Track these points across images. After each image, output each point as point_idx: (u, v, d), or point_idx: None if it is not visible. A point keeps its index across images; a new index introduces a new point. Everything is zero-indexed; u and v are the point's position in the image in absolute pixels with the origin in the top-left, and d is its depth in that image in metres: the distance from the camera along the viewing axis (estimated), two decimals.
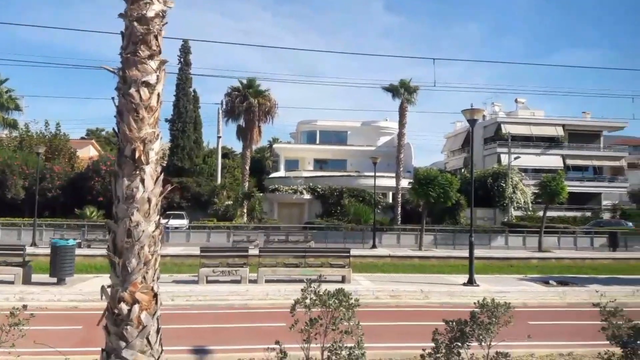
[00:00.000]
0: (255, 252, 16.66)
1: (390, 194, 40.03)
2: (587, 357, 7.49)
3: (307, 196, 38.99)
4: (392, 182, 37.09)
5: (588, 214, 43.14)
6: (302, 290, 5.66)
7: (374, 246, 28.68)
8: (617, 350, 5.51)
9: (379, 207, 35.91)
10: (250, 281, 14.79)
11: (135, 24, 4.31)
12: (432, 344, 5.49)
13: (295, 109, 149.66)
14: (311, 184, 39.64)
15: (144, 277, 4.22)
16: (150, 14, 4.35)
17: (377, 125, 51.64)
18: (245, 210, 35.04)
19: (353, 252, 17.02)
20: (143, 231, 4.18)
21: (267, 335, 9.92)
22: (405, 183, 35.09)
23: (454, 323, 5.48)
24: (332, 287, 5.74)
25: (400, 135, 36.81)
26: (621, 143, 59.33)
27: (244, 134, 37.05)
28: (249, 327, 10.45)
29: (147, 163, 4.27)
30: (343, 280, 14.81)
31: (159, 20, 4.43)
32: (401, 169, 36.25)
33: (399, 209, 35.44)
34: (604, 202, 48.24)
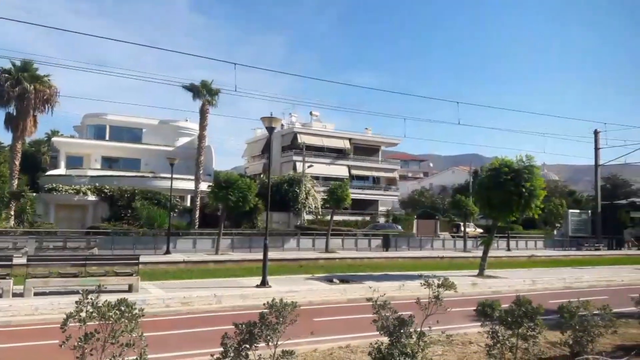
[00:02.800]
0: (23, 260, 14.38)
1: (189, 197, 38.92)
2: (361, 348, 8.29)
3: (92, 197, 35.30)
4: (191, 185, 36.10)
5: (367, 218, 48.71)
6: (76, 302, 4.98)
7: (167, 252, 27.41)
8: (386, 339, 6.17)
9: (176, 210, 34.57)
10: (16, 295, 12.72)
11: None
12: (221, 349, 5.41)
13: (83, 100, 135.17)
14: (97, 184, 36.01)
15: None
16: None
17: (176, 124, 49.79)
18: (12, 213, 29.99)
19: (144, 258, 16.02)
20: None
21: (34, 356, 8.62)
22: (205, 186, 34.50)
23: (244, 325, 5.48)
24: (116, 298, 5.20)
25: (201, 137, 36.10)
26: (395, 157, 69.55)
27: (15, 123, 31.64)
28: (11, 347, 8.99)
29: None
30: (130, 289, 13.78)
31: None
32: (201, 172, 35.48)
33: (197, 212, 34.61)
34: (380, 208, 55.30)
